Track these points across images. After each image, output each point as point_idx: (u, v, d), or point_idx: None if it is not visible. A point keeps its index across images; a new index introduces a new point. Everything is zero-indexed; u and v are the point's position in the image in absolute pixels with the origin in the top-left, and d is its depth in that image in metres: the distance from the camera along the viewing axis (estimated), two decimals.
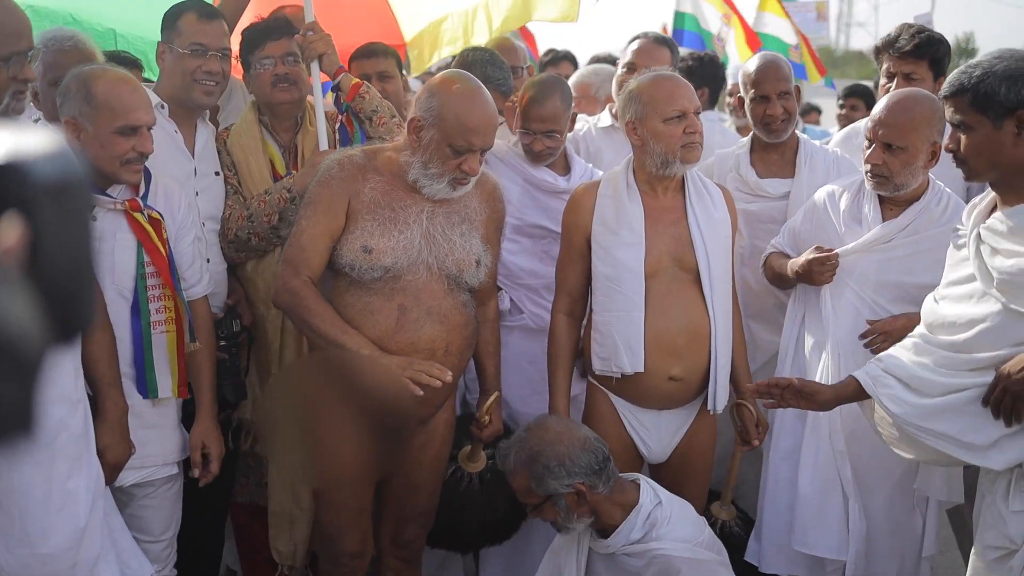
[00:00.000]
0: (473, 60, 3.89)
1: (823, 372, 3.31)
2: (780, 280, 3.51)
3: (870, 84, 7.46)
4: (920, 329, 2.79)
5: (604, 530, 3.05)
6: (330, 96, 3.81)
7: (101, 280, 2.90)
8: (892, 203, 3.30)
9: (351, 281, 3.04)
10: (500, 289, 3.83)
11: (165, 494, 3.13)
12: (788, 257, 3.48)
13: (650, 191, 3.31)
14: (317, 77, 3.64)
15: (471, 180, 3.03)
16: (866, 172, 3.27)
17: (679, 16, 8.22)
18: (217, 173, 3.52)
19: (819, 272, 3.27)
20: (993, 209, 2.64)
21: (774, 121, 3.76)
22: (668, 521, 2.95)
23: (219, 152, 3.55)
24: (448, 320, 3.07)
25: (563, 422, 3.10)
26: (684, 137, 3.19)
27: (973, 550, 2.75)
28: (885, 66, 3.95)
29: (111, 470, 2.87)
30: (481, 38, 4.41)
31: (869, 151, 3.23)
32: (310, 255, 3.03)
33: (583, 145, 4.43)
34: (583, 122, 4.59)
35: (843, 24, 48.28)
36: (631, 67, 4.26)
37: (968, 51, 33.62)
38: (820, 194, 3.50)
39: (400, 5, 4.44)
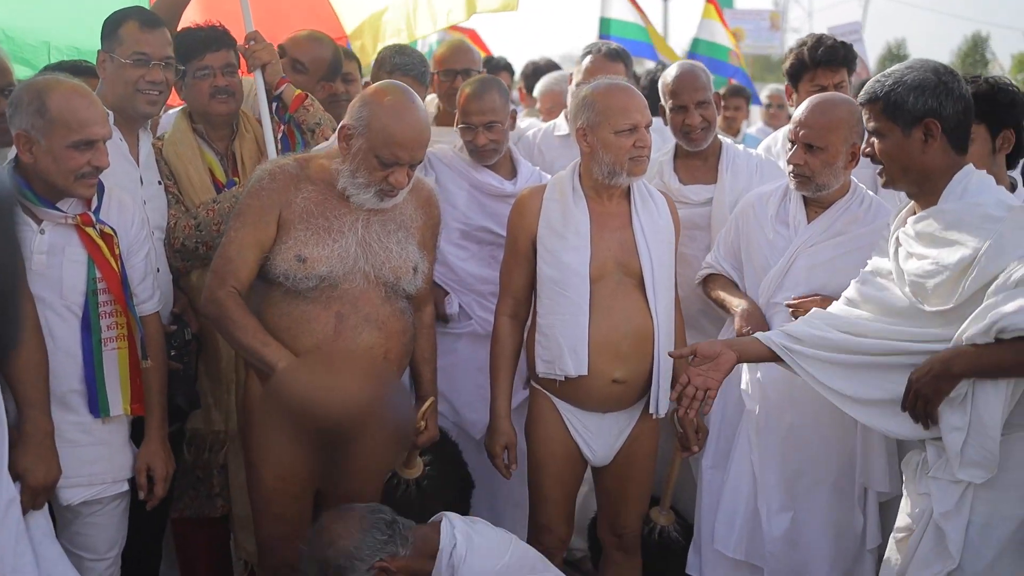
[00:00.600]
0: (383, 55, 3.89)
1: (746, 368, 3.38)
2: (722, 307, 3.54)
3: None
4: (837, 303, 2.90)
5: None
6: None
7: (48, 295, 2.85)
8: (816, 205, 3.36)
9: (286, 291, 3.01)
10: (448, 293, 3.81)
11: (113, 512, 3.05)
12: (730, 282, 3.53)
13: (596, 196, 3.33)
14: (261, 87, 3.61)
15: (399, 192, 3.01)
16: (789, 173, 3.34)
17: (604, 22, 8.36)
18: (160, 182, 3.47)
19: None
20: (913, 214, 2.74)
21: (693, 130, 3.79)
22: (464, 560, 2.92)
23: (156, 162, 3.49)
24: (386, 327, 3.05)
25: (334, 515, 3.02)
26: (633, 150, 3.21)
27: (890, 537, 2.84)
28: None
29: (32, 493, 2.76)
30: (425, 29, 4.38)
31: (791, 152, 3.29)
32: (237, 266, 3.00)
33: (539, 153, 4.44)
34: (537, 128, 4.58)
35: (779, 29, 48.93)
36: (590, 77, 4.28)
37: (899, 57, 34.42)
38: (747, 200, 3.56)
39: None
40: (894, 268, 2.72)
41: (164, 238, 3.43)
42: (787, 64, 4.11)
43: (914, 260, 2.64)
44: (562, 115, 4.63)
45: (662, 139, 4.22)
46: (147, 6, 3.82)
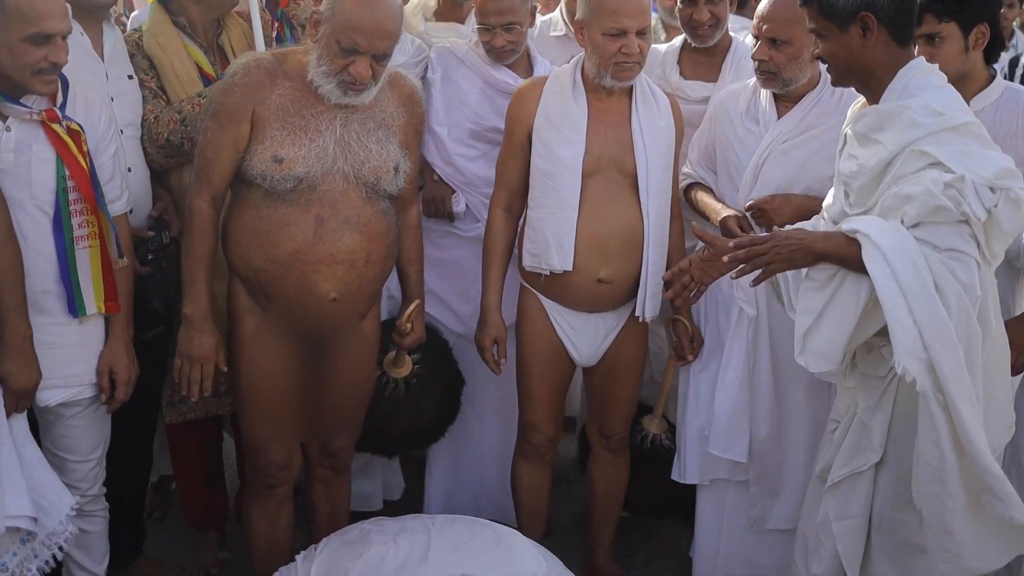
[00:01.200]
0: None
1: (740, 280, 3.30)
2: (706, 217, 3.44)
3: None
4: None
5: None
6: None
7: (17, 195, 2.78)
8: (787, 100, 3.29)
9: (265, 192, 2.94)
10: (454, 192, 3.74)
11: (93, 413, 3.04)
12: (710, 192, 3.45)
13: (596, 92, 3.24)
14: None
15: (366, 88, 2.90)
16: (755, 69, 3.25)
17: None
18: (131, 77, 3.34)
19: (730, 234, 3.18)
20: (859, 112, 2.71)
21: (700, 26, 3.66)
22: None
23: (131, 55, 3.36)
24: (368, 229, 3.00)
25: None
26: (619, 55, 3.11)
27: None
28: None
29: (15, 397, 2.77)
30: None
31: (756, 47, 3.21)
32: (213, 168, 2.95)
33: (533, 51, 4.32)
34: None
35: None
36: None
37: None
38: (718, 99, 3.49)
39: None
40: (835, 168, 2.73)
41: (142, 134, 3.32)
42: None
43: (847, 160, 2.65)
44: (558, 10, 4.47)
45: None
46: None
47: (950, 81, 2.75)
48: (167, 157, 3.35)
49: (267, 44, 3.48)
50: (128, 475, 3.42)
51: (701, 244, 3.36)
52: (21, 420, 2.82)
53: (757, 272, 2.59)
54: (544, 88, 3.28)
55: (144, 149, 3.31)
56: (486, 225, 3.42)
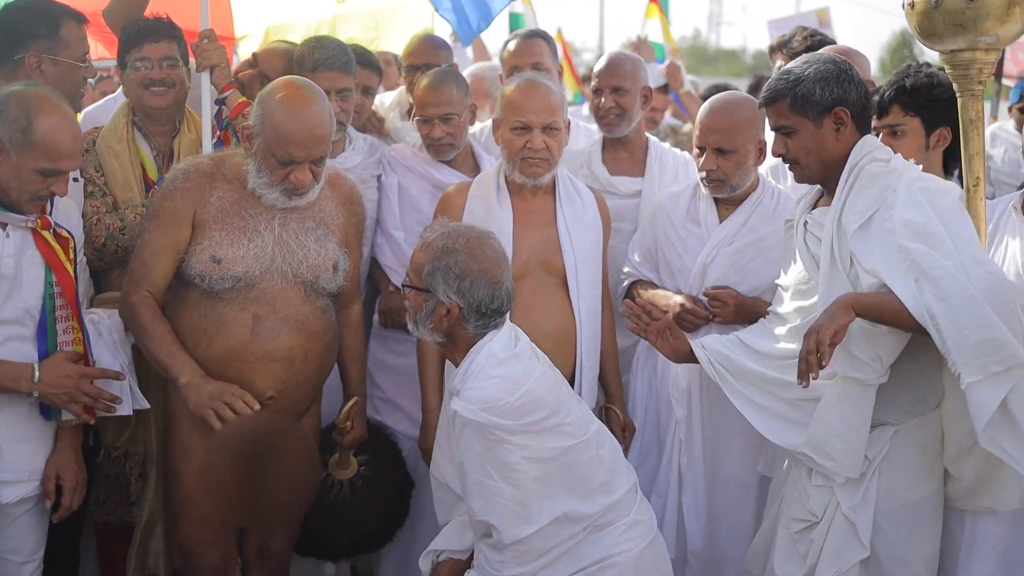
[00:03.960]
0: (301, 53, 3.73)
1: (675, 378, 3.38)
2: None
3: (736, 82, 7.65)
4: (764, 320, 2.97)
5: (453, 362, 2.91)
6: None
7: (7, 295, 2.77)
8: (727, 203, 3.38)
9: (203, 292, 2.97)
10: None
11: (41, 511, 2.97)
12: (652, 284, 3.49)
13: (520, 193, 3.30)
14: (207, 88, 3.52)
15: (309, 191, 2.96)
16: (702, 179, 3.34)
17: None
18: (76, 179, 3.37)
19: (689, 321, 3.26)
20: (818, 200, 2.82)
21: (606, 114, 3.80)
22: (475, 376, 2.73)
23: (85, 152, 3.37)
24: (306, 327, 3.01)
25: (501, 256, 2.84)
26: (524, 151, 3.19)
27: (780, 523, 2.88)
28: (778, 63, 4.03)
29: None
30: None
31: (702, 158, 3.30)
32: (152, 268, 2.97)
33: (486, 153, 4.43)
34: (482, 126, 4.57)
35: (714, 23, 49.71)
36: (509, 68, 4.28)
37: None
38: (657, 201, 3.58)
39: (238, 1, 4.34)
40: (802, 256, 2.78)
41: (83, 232, 3.29)
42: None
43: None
44: None
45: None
46: None
47: None
48: (100, 260, 3.36)
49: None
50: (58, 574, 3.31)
51: (637, 340, 3.43)
52: None
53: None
54: (469, 192, 3.33)
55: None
56: None
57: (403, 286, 2.84)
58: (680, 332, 3.07)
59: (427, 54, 4.27)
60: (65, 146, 2.75)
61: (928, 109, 3.06)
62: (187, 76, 3.52)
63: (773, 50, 4.14)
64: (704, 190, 3.37)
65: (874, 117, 3.05)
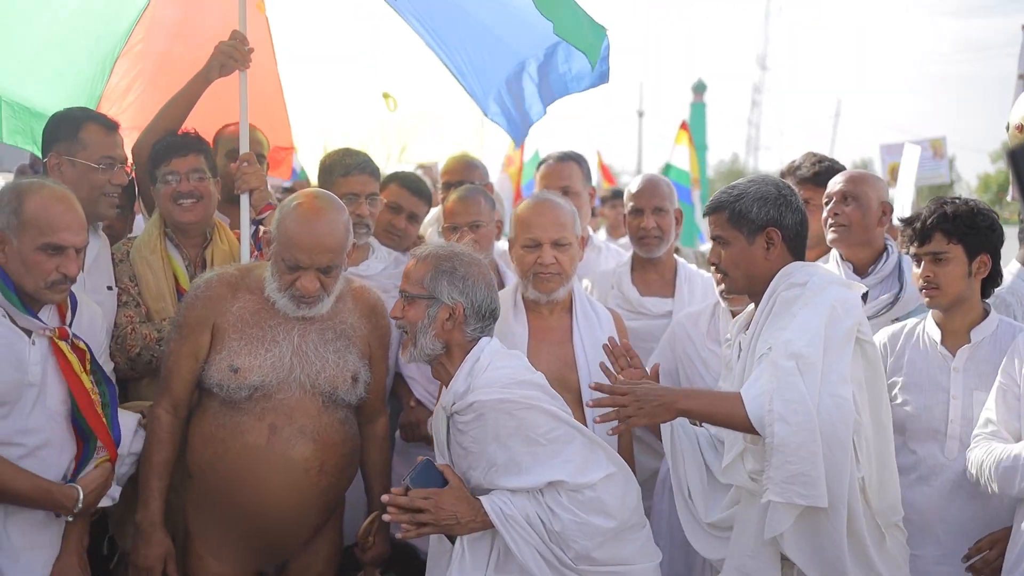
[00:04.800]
0: (332, 161, 3.88)
1: None
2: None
3: None
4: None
5: (443, 378, 2.94)
6: None
7: (34, 403, 2.80)
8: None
9: (222, 401, 2.99)
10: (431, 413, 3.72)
11: None
12: None
13: (537, 310, 3.32)
14: (246, 210, 3.60)
15: (318, 301, 2.99)
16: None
17: None
18: (110, 288, 3.43)
19: None
20: (751, 319, 2.87)
21: (647, 234, 3.83)
22: (484, 369, 2.82)
23: (119, 262, 3.47)
24: (323, 438, 3.00)
25: (489, 268, 3.00)
26: (535, 266, 3.23)
27: None
28: None
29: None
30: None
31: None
32: (174, 378, 3.03)
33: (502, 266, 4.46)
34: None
35: (752, 148, 50.46)
36: (539, 190, 4.33)
37: None
38: (677, 322, 3.61)
39: (296, 110, 4.49)
40: (739, 373, 2.83)
41: (113, 342, 3.33)
42: None
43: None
44: None
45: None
46: (94, 102, 3.92)
47: (949, 303, 3.01)
48: (133, 369, 3.38)
49: None
50: None
51: (660, 463, 3.37)
52: None
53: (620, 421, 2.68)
54: None
55: (112, 355, 3.31)
56: None
57: (402, 298, 2.90)
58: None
59: (462, 172, 4.41)
60: (58, 218, 2.76)
61: (971, 236, 3.08)
62: (216, 188, 3.59)
63: (783, 175, 4.18)
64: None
65: (914, 244, 3.11)
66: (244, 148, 3.72)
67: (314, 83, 4.49)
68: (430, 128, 4.65)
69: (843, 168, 3.96)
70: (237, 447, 2.94)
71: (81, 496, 2.81)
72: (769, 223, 2.78)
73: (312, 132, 4.64)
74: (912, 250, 3.13)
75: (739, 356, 2.86)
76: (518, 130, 4.32)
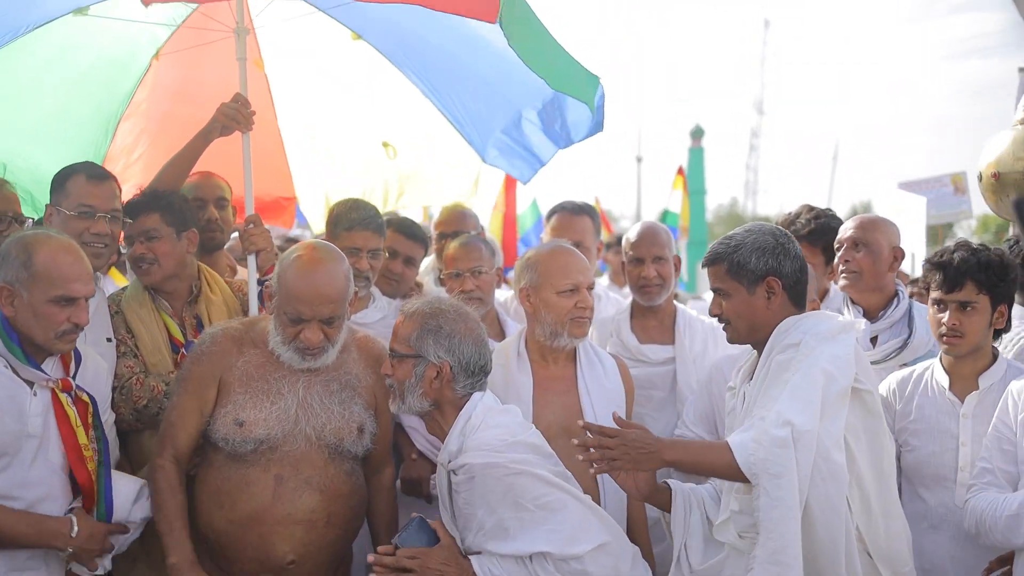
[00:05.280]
0: (339, 212, 3.90)
1: None
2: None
3: None
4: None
5: (438, 433, 2.92)
6: None
7: (35, 455, 2.79)
8: None
9: (228, 454, 2.97)
10: (434, 471, 3.67)
11: None
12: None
13: (541, 360, 3.31)
14: (253, 271, 3.60)
15: (323, 353, 2.98)
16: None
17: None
18: (109, 340, 3.42)
19: None
20: (755, 368, 2.86)
21: (648, 284, 3.84)
22: (476, 429, 2.79)
23: (115, 314, 3.46)
24: (329, 490, 2.99)
25: (477, 320, 2.99)
26: (575, 311, 3.23)
27: None
28: None
29: None
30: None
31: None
32: (178, 431, 3.00)
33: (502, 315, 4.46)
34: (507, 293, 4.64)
35: (750, 191, 50.70)
36: (551, 238, 4.33)
37: None
38: (715, 365, 3.59)
39: (296, 161, 4.52)
40: (739, 419, 2.81)
41: (116, 394, 3.30)
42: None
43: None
44: None
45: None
46: (99, 161, 3.94)
47: (968, 351, 3.03)
48: (138, 421, 3.36)
49: None
50: None
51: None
52: None
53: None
54: None
55: (115, 406, 3.29)
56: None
57: (390, 357, 2.90)
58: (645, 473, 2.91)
59: (456, 222, 4.46)
60: (68, 270, 2.78)
61: (999, 288, 3.10)
62: (190, 239, 3.53)
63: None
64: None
65: (940, 289, 3.10)
66: (249, 209, 3.73)
67: (314, 133, 4.53)
68: (428, 174, 4.68)
69: (839, 221, 3.96)
70: (243, 499, 2.92)
71: (75, 525, 2.77)
72: (768, 272, 2.78)
73: (313, 181, 4.67)
74: (937, 295, 3.12)
75: (743, 405, 2.84)
76: (524, 169, 4.38)
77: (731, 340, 2.86)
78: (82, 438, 2.85)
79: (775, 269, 2.78)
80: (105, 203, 3.35)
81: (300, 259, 2.97)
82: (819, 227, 3.95)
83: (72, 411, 2.85)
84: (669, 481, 2.92)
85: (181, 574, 2.90)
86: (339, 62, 4.23)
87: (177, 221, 3.52)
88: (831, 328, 2.75)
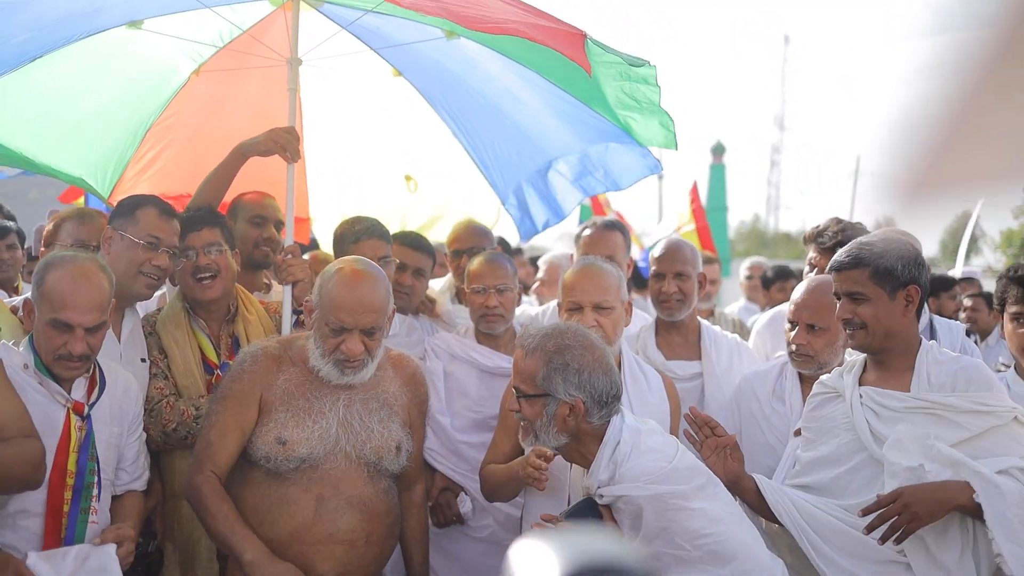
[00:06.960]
0: (343, 230, 3.97)
1: None
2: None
3: (799, 265, 7.76)
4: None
5: (579, 462, 2.81)
6: None
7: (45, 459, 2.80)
8: (811, 380, 3.36)
9: (268, 472, 2.98)
10: (462, 489, 3.74)
11: None
12: None
13: None
14: (288, 300, 3.62)
15: (363, 366, 2.99)
16: (790, 352, 3.37)
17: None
18: (143, 360, 3.45)
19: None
20: (864, 371, 2.92)
21: (668, 299, 3.87)
22: (627, 458, 2.65)
23: (148, 335, 3.50)
24: (369, 509, 3.00)
25: (602, 343, 2.82)
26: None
27: None
28: (810, 255, 4.09)
29: None
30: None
31: (793, 333, 3.34)
32: (217, 450, 2.99)
33: None
34: (545, 307, 4.66)
35: (772, 207, 50.54)
36: (583, 255, 4.39)
37: None
38: (744, 379, 3.61)
39: (316, 183, 4.55)
40: (858, 426, 2.84)
41: (146, 414, 3.31)
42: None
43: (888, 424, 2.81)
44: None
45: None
46: (121, 166, 4.04)
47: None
48: (165, 442, 3.38)
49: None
50: None
51: None
52: None
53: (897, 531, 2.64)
54: None
55: (144, 427, 3.29)
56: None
57: (518, 397, 2.77)
58: (740, 454, 3.03)
59: (472, 239, 4.48)
60: (67, 295, 2.79)
61: None
62: (236, 260, 3.62)
63: (807, 240, 4.23)
64: (791, 367, 3.40)
65: (1020, 303, 3.31)
66: (290, 240, 3.75)
67: (338, 158, 4.58)
68: (450, 214, 4.76)
69: (867, 233, 3.98)
70: (283, 517, 2.92)
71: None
72: (911, 281, 2.83)
73: (331, 204, 4.72)
74: (1016, 309, 3.29)
75: (861, 404, 2.86)
76: (531, 227, 4.52)
77: (858, 345, 2.87)
78: (71, 465, 2.86)
79: (916, 278, 2.84)
80: (170, 238, 3.41)
81: (342, 271, 3.00)
82: (845, 239, 3.96)
83: (76, 436, 2.87)
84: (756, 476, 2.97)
85: (263, 568, 2.83)
86: (375, 94, 4.30)
87: (230, 239, 3.61)
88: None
